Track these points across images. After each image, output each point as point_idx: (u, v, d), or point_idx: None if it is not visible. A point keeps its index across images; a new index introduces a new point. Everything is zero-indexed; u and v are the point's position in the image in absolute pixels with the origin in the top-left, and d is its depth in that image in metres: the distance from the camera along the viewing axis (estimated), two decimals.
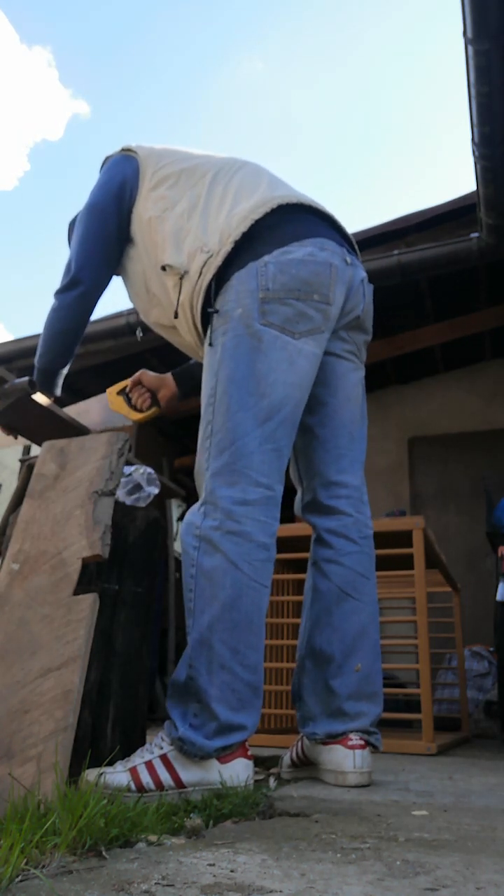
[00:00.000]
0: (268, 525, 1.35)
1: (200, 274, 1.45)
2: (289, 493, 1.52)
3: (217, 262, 1.44)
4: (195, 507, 1.39)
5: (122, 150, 1.67)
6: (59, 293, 1.60)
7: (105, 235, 1.59)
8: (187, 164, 1.59)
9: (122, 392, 1.80)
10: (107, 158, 1.69)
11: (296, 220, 1.48)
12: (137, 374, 1.78)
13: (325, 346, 1.48)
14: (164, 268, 1.49)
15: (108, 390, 1.81)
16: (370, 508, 1.61)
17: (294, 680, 1.52)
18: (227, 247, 1.44)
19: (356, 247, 1.63)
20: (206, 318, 1.47)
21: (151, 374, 1.78)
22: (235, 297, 1.42)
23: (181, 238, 1.50)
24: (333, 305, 1.45)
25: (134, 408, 1.78)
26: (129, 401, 1.79)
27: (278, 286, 1.40)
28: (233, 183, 1.53)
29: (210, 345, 1.45)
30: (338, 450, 1.55)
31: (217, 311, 1.43)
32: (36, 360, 1.63)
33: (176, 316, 1.51)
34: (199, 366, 1.75)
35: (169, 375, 1.78)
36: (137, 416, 1.79)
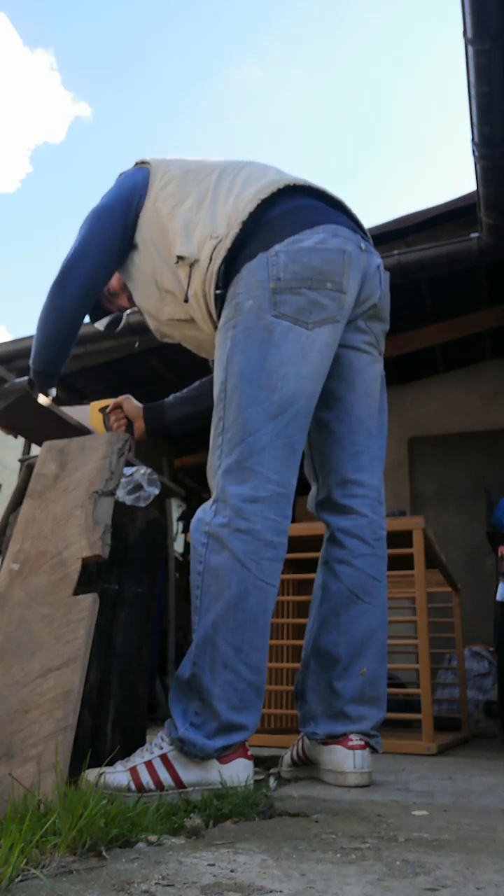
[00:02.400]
0: (277, 522, 1.33)
1: (210, 260, 1.44)
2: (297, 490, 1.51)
3: (226, 244, 1.43)
4: (207, 504, 1.38)
5: (136, 163, 1.67)
6: (52, 289, 1.57)
7: (107, 236, 1.57)
8: (194, 165, 1.60)
9: (103, 410, 1.81)
10: (121, 174, 1.69)
11: (306, 207, 1.47)
12: (121, 398, 1.79)
13: (339, 336, 1.45)
14: (177, 261, 1.49)
15: (93, 404, 1.83)
16: None
17: (298, 678, 1.52)
18: (235, 229, 1.43)
19: (368, 234, 1.60)
20: (221, 306, 1.46)
21: (134, 402, 1.79)
22: (246, 289, 1.40)
23: (191, 230, 1.49)
24: (348, 294, 1.43)
25: (108, 429, 1.80)
26: (106, 421, 1.81)
27: (290, 275, 1.38)
28: (240, 175, 1.53)
29: (220, 334, 1.44)
30: (354, 447, 1.53)
31: (224, 293, 1.42)
32: (30, 361, 1.61)
33: (186, 300, 1.49)
34: (172, 405, 1.79)
35: (142, 409, 1.79)
36: None
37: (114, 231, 1.58)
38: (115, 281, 1.80)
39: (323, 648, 1.47)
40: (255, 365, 1.36)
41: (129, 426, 1.79)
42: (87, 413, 1.83)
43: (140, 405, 1.79)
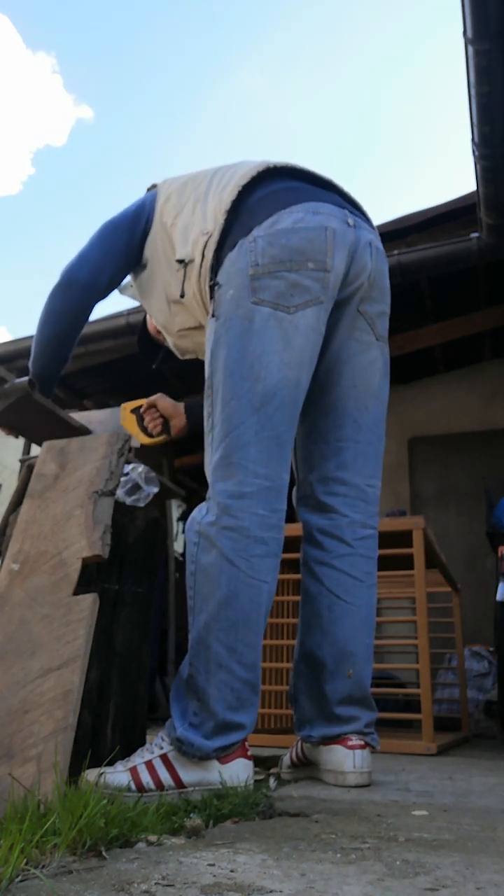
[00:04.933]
0: (266, 518, 1.31)
1: (203, 256, 1.44)
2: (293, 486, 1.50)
3: (215, 238, 1.43)
4: (203, 503, 1.38)
5: (148, 188, 1.69)
6: (52, 293, 1.58)
7: (110, 247, 1.59)
8: (194, 174, 1.61)
9: (135, 410, 1.76)
10: None
11: (285, 189, 1.44)
12: (154, 397, 1.75)
13: (326, 319, 1.41)
14: (178, 266, 1.50)
15: (123, 405, 1.79)
16: (378, 507, 1.53)
17: (290, 683, 1.51)
18: (220, 220, 1.43)
19: (362, 209, 1.56)
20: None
21: (168, 400, 1.74)
22: (227, 280, 1.39)
23: (188, 233, 1.50)
24: (332, 272, 1.37)
25: (144, 430, 1.74)
26: (140, 421, 1.75)
27: (268, 259, 1.35)
28: (229, 171, 1.54)
29: (207, 329, 1.43)
30: (339, 442, 1.48)
31: (219, 284, 1.40)
32: (29, 364, 1.62)
33: (182, 295, 1.49)
34: None
35: (182, 405, 1.73)
36: (146, 439, 1.74)
37: (117, 243, 1.59)
38: (152, 324, 1.83)
39: (309, 651, 1.45)
40: (236, 356, 1.34)
41: (166, 425, 1.74)
42: (104, 416, 1.81)
43: (176, 402, 1.74)
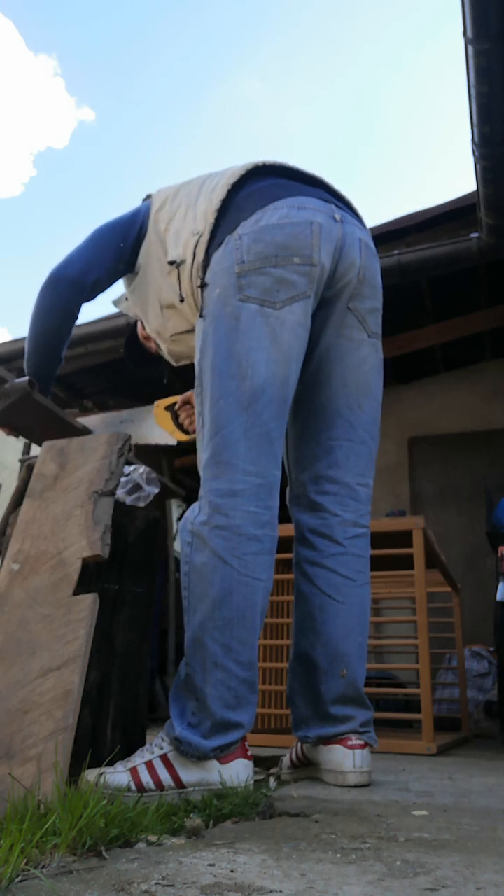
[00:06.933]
0: (259, 515, 1.31)
1: (194, 256, 1.45)
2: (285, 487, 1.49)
3: (206, 237, 1.43)
4: (196, 503, 1.39)
5: (143, 199, 1.70)
6: (42, 288, 1.59)
7: (102, 247, 1.60)
8: (185, 182, 1.62)
9: (170, 408, 1.74)
10: None
11: (272, 185, 1.45)
12: (188, 393, 1.74)
13: (310, 313, 1.40)
14: (169, 269, 1.50)
15: (157, 403, 1.78)
16: (370, 506, 1.54)
17: (287, 683, 1.51)
18: (210, 219, 1.43)
19: (353, 206, 1.56)
20: None
21: None
22: (213, 279, 1.39)
23: (179, 235, 1.51)
24: (318, 266, 1.37)
25: (180, 427, 1.73)
26: (175, 419, 1.74)
27: (253, 257, 1.35)
28: (218, 175, 1.55)
29: (196, 328, 1.44)
30: (330, 441, 1.48)
31: (206, 284, 1.41)
32: (24, 362, 1.63)
33: (182, 300, 1.50)
34: None
35: None
36: (182, 436, 1.73)
37: (109, 245, 1.60)
38: (143, 330, 1.83)
39: (303, 652, 1.44)
40: (224, 355, 1.34)
41: None
42: (106, 420, 1.81)
43: None
